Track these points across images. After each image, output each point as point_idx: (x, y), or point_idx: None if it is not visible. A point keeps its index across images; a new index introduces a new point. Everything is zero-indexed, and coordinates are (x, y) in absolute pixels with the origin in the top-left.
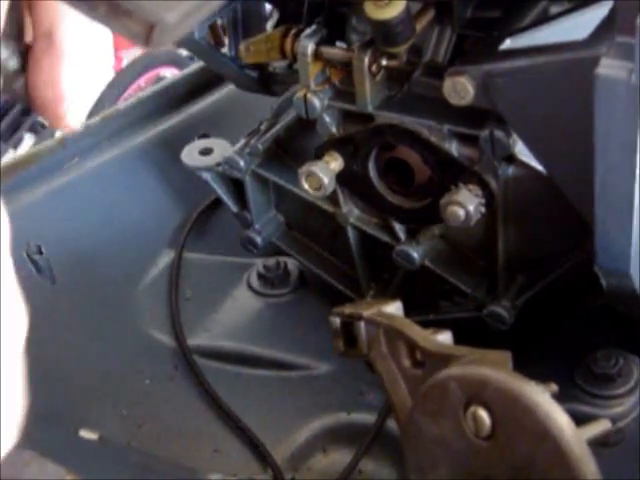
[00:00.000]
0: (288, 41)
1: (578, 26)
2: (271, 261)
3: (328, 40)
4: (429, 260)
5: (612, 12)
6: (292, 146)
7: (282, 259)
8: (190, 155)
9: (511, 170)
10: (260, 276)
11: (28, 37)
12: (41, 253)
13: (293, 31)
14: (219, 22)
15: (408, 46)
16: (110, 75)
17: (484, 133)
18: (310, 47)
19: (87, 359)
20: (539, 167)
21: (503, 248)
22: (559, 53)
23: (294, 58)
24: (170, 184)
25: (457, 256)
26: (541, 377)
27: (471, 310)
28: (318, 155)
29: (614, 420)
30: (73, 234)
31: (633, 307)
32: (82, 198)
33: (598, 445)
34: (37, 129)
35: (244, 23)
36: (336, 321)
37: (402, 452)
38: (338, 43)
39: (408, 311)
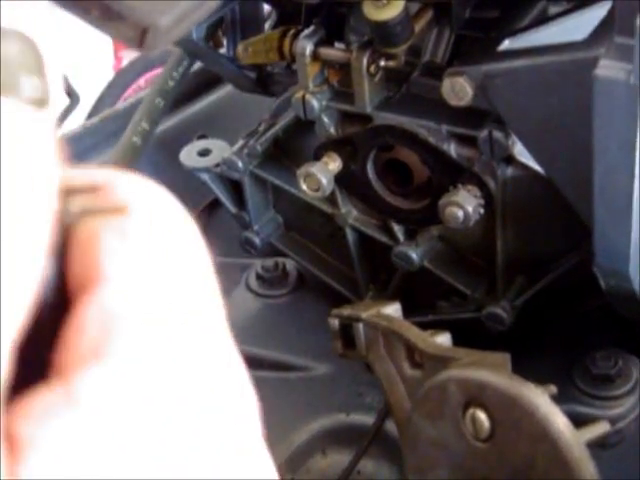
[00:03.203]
0: (286, 42)
1: (577, 27)
2: (270, 262)
3: (327, 41)
4: (428, 261)
5: (611, 13)
6: (291, 147)
7: (281, 260)
8: (189, 156)
9: (510, 171)
10: (259, 277)
11: None
12: None
13: (291, 32)
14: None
15: (407, 47)
16: (110, 75)
17: (483, 134)
18: (308, 48)
19: None
20: (538, 168)
21: (502, 249)
22: (558, 54)
23: (292, 59)
24: (168, 185)
25: (456, 257)
26: (540, 378)
27: (470, 311)
28: (317, 156)
29: (613, 421)
30: None
31: (632, 307)
32: None
33: (597, 446)
34: None
35: (242, 24)
36: (335, 323)
37: (401, 453)
38: (337, 44)
39: (407, 312)
